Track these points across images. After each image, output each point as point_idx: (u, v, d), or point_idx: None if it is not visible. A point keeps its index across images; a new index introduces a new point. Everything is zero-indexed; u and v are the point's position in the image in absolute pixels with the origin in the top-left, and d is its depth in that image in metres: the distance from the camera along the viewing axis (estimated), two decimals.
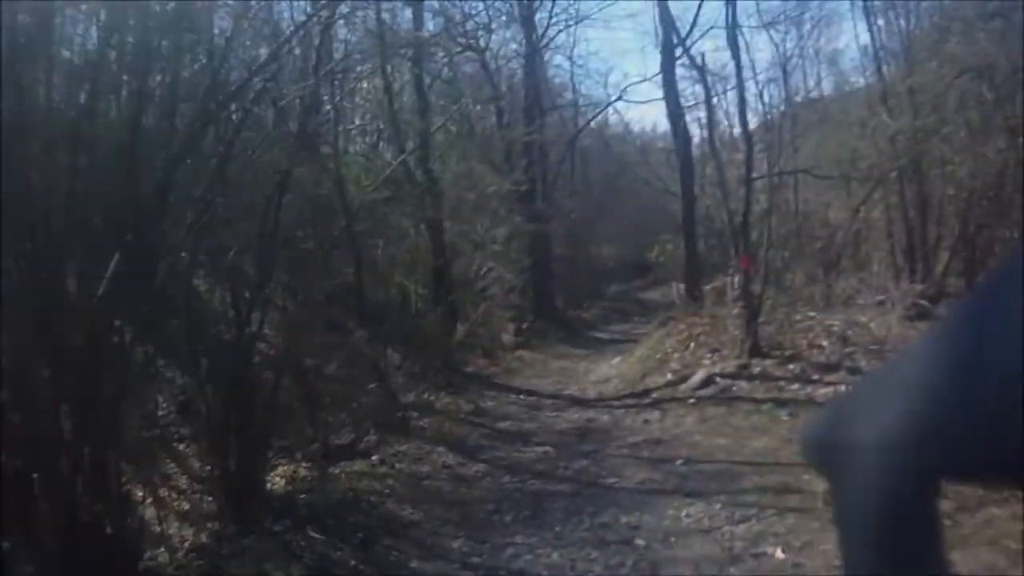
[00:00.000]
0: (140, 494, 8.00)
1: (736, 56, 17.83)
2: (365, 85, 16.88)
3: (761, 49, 77.58)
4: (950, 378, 1.05)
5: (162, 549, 7.98)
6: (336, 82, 14.40)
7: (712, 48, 71.83)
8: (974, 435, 1.01)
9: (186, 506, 8.98)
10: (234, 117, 9.24)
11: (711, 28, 36.15)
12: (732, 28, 17.58)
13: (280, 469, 9.50)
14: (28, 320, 6.96)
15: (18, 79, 6.61)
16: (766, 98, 30.71)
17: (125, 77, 7.86)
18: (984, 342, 1.03)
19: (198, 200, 8.52)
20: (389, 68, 16.66)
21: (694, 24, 29.68)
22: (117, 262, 7.26)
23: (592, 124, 40.23)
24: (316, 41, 12.14)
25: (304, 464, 9.68)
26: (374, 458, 10.59)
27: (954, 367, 1.06)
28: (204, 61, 8.84)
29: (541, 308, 27.03)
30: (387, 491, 9.56)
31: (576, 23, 34.27)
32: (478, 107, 24.59)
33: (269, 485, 9.05)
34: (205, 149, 8.92)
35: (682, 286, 23.26)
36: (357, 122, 18.47)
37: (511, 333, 21.66)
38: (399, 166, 16.34)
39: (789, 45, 31.16)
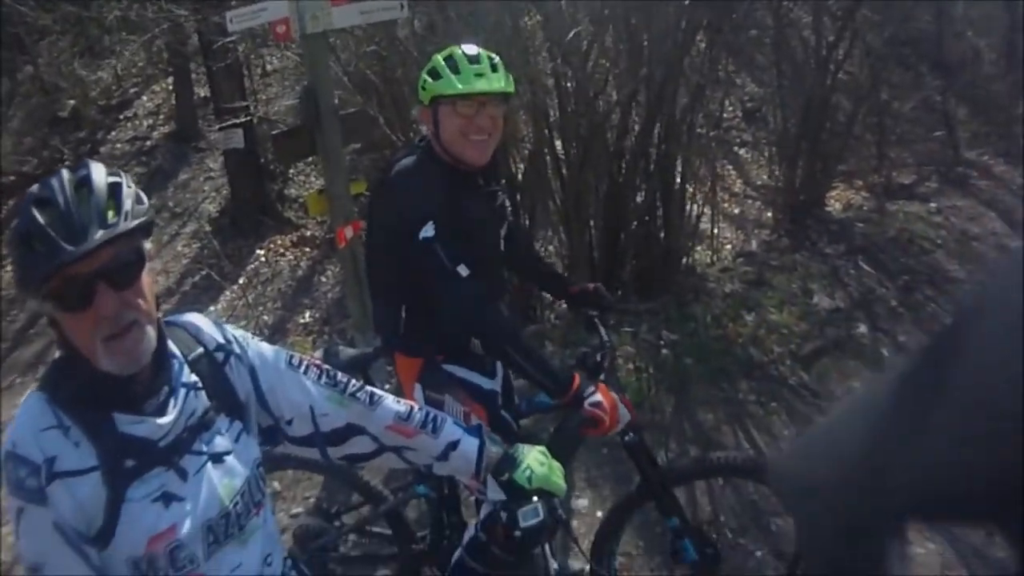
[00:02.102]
0: (695, 192, 7.01)
1: None
2: None
3: None
4: (916, 414, 0.82)
5: (708, 249, 6.97)
6: None
7: None
8: (941, 474, 0.79)
9: (737, 210, 7.87)
10: None
11: None
12: None
13: (837, 193, 8.02)
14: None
15: None
16: None
17: None
18: (955, 375, 0.80)
19: None
20: None
21: None
22: None
23: None
24: None
25: (863, 194, 8.11)
26: (932, 205, 8.70)
27: (921, 401, 0.83)
28: None
29: None
30: (939, 241, 7.76)
31: None
32: None
33: (826, 207, 7.54)
34: None
35: None
36: None
37: None
38: None
39: None
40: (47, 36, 13.79)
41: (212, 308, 8.76)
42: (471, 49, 2.86)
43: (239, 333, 1.90)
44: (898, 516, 0.89)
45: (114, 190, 1.57)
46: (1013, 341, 0.80)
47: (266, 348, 1.93)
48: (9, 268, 10.99)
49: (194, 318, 1.85)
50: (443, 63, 2.84)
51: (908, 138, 9.38)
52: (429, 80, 2.86)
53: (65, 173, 1.57)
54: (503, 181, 3.39)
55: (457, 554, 3.09)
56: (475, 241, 2.82)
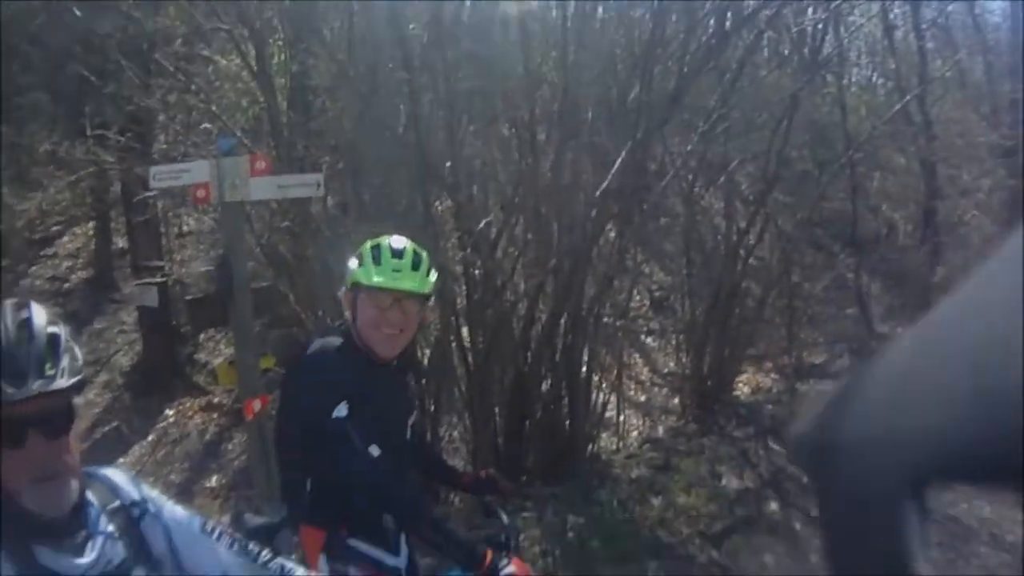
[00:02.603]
0: (601, 380, 7.04)
1: None
2: (863, 21, 14.55)
3: None
4: (938, 368, 0.71)
5: (614, 436, 7.02)
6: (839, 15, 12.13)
7: None
8: (971, 434, 0.66)
9: (643, 398, 7.95)
10: (747, 38, 7.83)
11: None
12: None
13: (747, 377, 8.11)
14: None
15: None
16: None
17: None
18: (987, 328, 0.69)
19: (709, 112, 7.37)
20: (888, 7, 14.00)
21: None
22: (623, 160, 6.35)
23: None
24: None
25: (773, 376, 8.19)
26: None
27: (951, 356, 0.71)
28: None
29: None
30: None
31: None
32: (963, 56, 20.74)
33: (735, 391, 7.64)
34: (719, 67, 7.61)
35: None
36: (854, 57, 16.11)
37: None
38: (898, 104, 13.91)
39: None
40: None
41: (121, 461, 8.60)
42: (398, 243, 2.90)
43: (154, 494, 1.91)
44: (919, 478, 0.78)
45: (53, 341, 1.61)
46: None
47: (180, 512, 1.93)
48: None
49: (112, 473, 1.86)
50: (368, 252, 2.88)
51: (820, 318, 9.62)
52: (353, 266, 2.90)
53: (7, 308, 1.60)
54: (412, 371, 3.42)
55: None
56: (382, 426, 2.82)
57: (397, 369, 3.06)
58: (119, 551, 1.74)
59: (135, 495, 1.86)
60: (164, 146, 9.16)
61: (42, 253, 12.91)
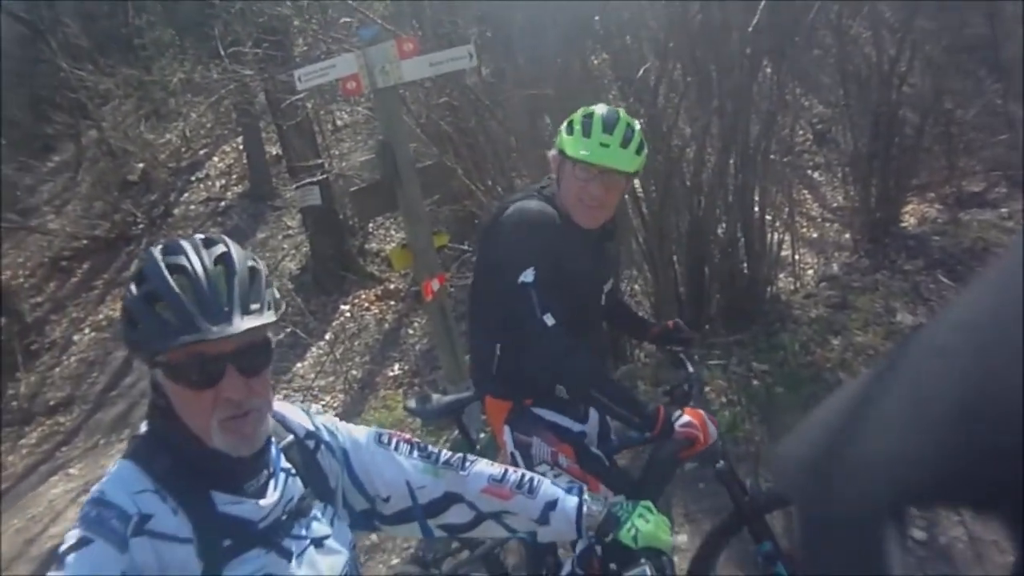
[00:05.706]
0: (774, 219, 6.90)
1: None
2: None
3: None
4: (912, 397, 0.81)
5: (791, 276, 6.86)
6: None
7: None
8: (937, 459, 0.77)
9: (816, 234, 7.76)
10: None
11: None
12: None
13: (912, 208, 7.87)
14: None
15: None
16: None
17: None
18: (968, 353, 0.78)
19: None
20: None
21: None
22: None
23: None
24: None
25: (937, 206, 7.92)
26: (1003, 210, 8.45)
27: (916, 385, 0.82)
28: None
29: None
30: None
31: None
32: None
33: (903, 223, 7.39)
34: None
35: None
36: None
37: None
38: None
39: None
40: (110, 100, 14.09)
41: (299, 365, 8.80)
42: (611, 115, 2.82)
43: (325, 420, 1.88)
44: (894, 503, 0.86)
45: (255, 276, 1.56)
46: (1010, 322, 0.79)
47: (355, 430, 1.91)
48: (89, 331, 11.17)
49: (280, 406, 1.80)
50: (579, 121, 2.83)
51: (975, 145, 9.18)
52: (563, 132, 2.87)
53: (198, 243, 1.54)
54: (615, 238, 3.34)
55: None
56: (573, 292, 2.81)
57: (600, 235, 2.99)
58: (298, 486, 1.72)
59: (308, 425, 1.82)
60: (304, 48, 9.22)
61: (192, 178, 13.21)
